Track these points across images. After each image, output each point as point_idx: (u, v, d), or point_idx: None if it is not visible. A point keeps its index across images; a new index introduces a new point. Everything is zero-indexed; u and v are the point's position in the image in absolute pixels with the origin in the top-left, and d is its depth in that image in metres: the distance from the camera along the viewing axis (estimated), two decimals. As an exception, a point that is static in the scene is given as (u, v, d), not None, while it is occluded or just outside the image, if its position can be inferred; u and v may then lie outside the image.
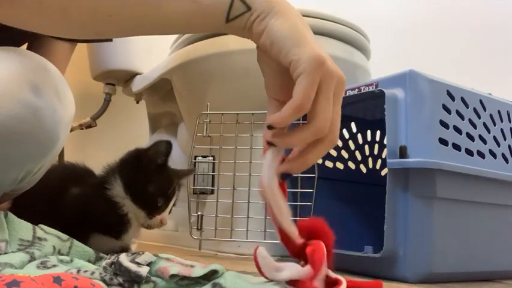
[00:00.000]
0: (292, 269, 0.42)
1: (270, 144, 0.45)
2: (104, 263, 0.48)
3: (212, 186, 1.10)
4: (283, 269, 0.42)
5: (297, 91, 0.42)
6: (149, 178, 0.71)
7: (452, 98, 0.84)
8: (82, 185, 0.74)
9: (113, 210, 0.71)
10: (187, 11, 0.49)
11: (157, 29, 0.53)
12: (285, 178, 0.45)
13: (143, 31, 0.55)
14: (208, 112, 1.07)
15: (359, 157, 1.16)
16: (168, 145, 0.71)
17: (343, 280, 0.43)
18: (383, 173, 1.10)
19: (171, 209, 0.74)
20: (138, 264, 0.46)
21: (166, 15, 0.49)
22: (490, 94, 0.94)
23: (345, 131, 1.11)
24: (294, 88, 0.43)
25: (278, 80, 0.47)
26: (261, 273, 0.43)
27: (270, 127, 0.45)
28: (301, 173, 0.95)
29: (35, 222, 0.60)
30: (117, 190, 0.72)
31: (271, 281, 0.43)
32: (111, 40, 0.92)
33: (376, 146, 1.16)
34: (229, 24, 0.49)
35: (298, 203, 0.98)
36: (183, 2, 0.49)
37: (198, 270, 0.44)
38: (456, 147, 0.83)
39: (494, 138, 0.91)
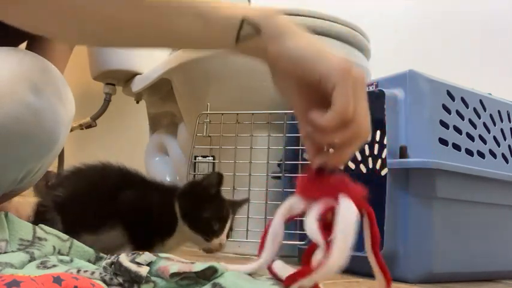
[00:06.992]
0: None
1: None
2: (104, 263, 0.48)
3: (212, 186, 1.10)
4: None
5: (338, 104, 0.43)
6: (203, 206, 0.76)
7: (452, 98, 0.84)
8: (149, 188, 0.79)
9: (167, 219, 0.76)
10: (197, 29, 0.49)
11: (166, 42, 0.55)
12: (324, 170, 0.46)
13: (152, 43, 0.56)
14: (208, 112, 1.07)
15: (359, 157, 1.16)
16: (220, 177, 0.76)
17: None
18: (383, 173, 1.10)
19: (228, 233, 0.78)
20: (138, 264, 0.46)
21: (176, 30, 0.50)
22: (490, 94, 0.94)
23: (344, 131, 1.11)
24: (332, 100, 0.44)
25: (304, 96, 0.48)
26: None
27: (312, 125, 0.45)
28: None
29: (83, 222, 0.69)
30: (178, 212, 0.77)
31: (270, 279, 0.43)
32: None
33: (376, 146, 1.16)
34: (240, 45, 0.49)
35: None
36: (195, 22, 0.49)
37: (199, 265, 0.44)
38: (456, 147, 0.83)
39: (494, 138, 0.91)
